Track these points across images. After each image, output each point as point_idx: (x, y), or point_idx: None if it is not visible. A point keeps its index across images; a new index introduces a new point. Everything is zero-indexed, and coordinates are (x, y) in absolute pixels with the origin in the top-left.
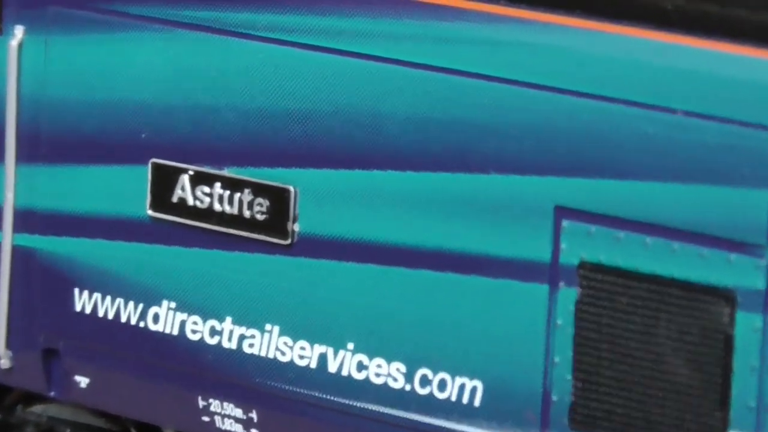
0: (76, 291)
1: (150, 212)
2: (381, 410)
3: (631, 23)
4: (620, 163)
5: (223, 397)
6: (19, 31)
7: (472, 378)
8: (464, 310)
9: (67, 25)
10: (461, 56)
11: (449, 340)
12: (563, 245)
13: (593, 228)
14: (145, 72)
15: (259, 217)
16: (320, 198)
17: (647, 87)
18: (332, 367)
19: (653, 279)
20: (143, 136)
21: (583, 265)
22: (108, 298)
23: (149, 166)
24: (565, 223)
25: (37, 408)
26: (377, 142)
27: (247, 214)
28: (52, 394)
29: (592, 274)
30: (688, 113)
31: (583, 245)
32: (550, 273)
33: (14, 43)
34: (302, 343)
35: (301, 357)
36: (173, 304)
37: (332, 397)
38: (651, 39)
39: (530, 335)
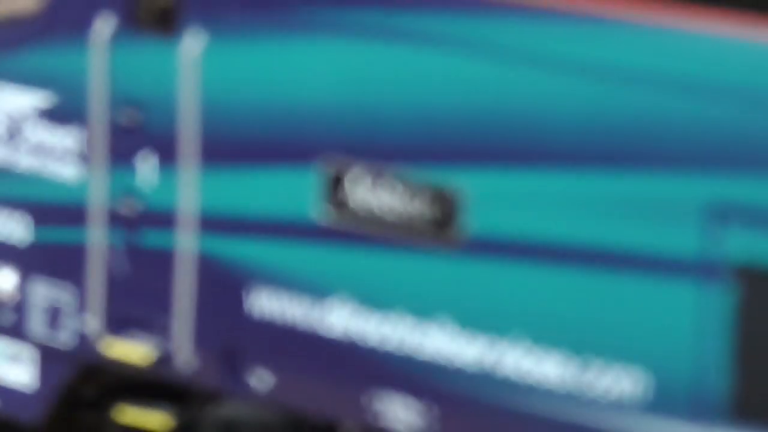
0: (254, 293)
1: (322, 214)
2: (540, 402)
3: None
4: None
5: (396, 392)
6: (196, 36)
7: (630, 369)
8: (623, 305)
9: (243, 29)
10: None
11: (609, 332)
12: (718, 243)
13: (747, 227)
14: (320, 75)
15: (429, 217)
16: (489, 198)
17: None
18: (504, 362)
19: None
20: (316, 138)
21: (737, 262)
22: (284, 299)
23: (322, 169)
24: (719, 222)
25: (219, 407)
26: (546, 143)
27: (416, 215)
28: (233, 392)
29: (746, 271)
30: None
31: (738, 243)
32: (705, 270)
33: (191, 48)
34: (470, 338)
35: (470, 353)
36: (347, 304)
37: (503, 392)
38: None
39: (687, 329)
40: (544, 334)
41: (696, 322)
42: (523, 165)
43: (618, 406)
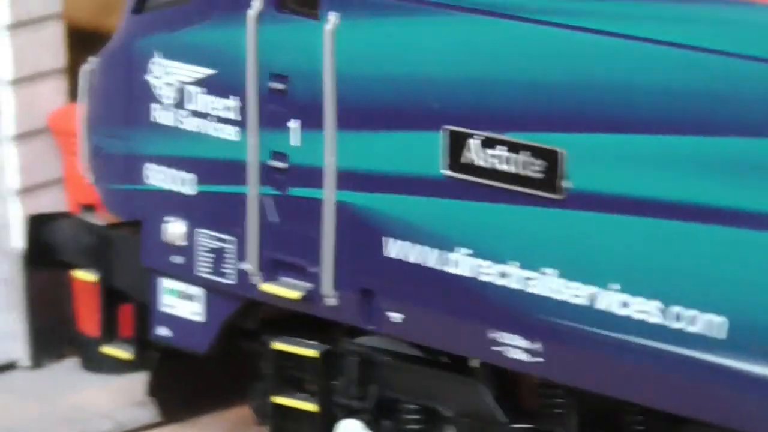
0: (387, 240)
1: (444, 172)
2: (639, 341)
3: None
4: None
5: (511, 331)
6: (333, 17)
7: (718, 314)
8: (709, 255)
9: (373, 10)
10: (700, 34)
11: (698, 281)
12: None
13: None
14: (437, 50)
15: (535, 175)
16: (586, 158)
17: None
18: (600, 305)
19: None
20: (436, 106)
21: None
22: (413, 246)
23: (442, 132)
24: None
25: (360, 339)
26: (633, 111)
27: (524, 172)
28: (370, 327)
29: None
30: None
31: None
32: None
33: (329, 27)
34: (575, 284)
35: (575, 296)
36: (467, 251)
37: (602, 330)
38: None
39: (766, 277)
40: (638, 277)
41: None
42: (617, 129)
43: (704, 343)
